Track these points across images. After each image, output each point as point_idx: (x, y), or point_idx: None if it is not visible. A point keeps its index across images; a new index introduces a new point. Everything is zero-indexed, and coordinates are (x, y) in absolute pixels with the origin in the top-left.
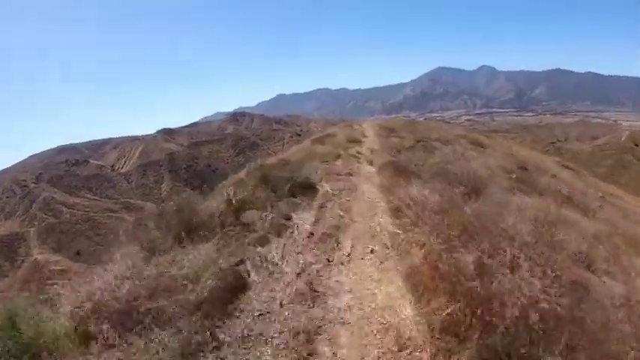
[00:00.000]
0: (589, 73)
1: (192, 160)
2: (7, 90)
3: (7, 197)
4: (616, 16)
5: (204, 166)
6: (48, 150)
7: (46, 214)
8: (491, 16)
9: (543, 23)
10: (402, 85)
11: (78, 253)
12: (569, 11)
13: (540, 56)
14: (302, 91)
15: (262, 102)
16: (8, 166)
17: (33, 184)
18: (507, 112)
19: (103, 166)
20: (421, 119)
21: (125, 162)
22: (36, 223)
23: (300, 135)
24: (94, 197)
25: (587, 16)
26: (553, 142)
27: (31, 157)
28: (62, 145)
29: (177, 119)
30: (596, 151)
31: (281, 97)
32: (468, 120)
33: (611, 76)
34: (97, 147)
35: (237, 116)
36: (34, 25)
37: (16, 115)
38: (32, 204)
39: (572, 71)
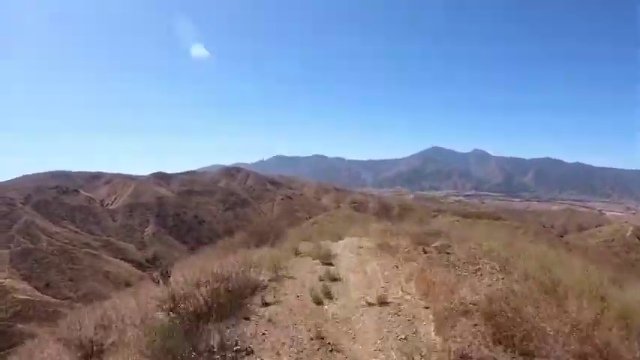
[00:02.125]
0: (577, 163)
1: (180, 208)
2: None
3: None
4: (607, 110)
5: (191, 216)
6: (42, 173)
7: (23, 238)
8: (488, 103)
9: (537, 114)
10: (396, 161)
11: (47, 285)
12: (563, 104)
13: (531, 144)
14: (300, 155)
15: (260, 161)
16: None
17: (20, 204)
18: (496, 195)
19: (92, 199)
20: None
21: (115, 199)
22: (11, 245)
23: (291, 198)
24: (75, 229)
25: (581, 109)
26: (561, 236)
27: (24, 176)
28: (56, 171)
29: (175, 164)
30: (603, 247)
31: (279, 158)
32: (457, 200)
33: (598, 168)
34: (90, 179)
35: (232, 171)
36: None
37: (15, 134)
38: (13, 225)
39: (561, 160)
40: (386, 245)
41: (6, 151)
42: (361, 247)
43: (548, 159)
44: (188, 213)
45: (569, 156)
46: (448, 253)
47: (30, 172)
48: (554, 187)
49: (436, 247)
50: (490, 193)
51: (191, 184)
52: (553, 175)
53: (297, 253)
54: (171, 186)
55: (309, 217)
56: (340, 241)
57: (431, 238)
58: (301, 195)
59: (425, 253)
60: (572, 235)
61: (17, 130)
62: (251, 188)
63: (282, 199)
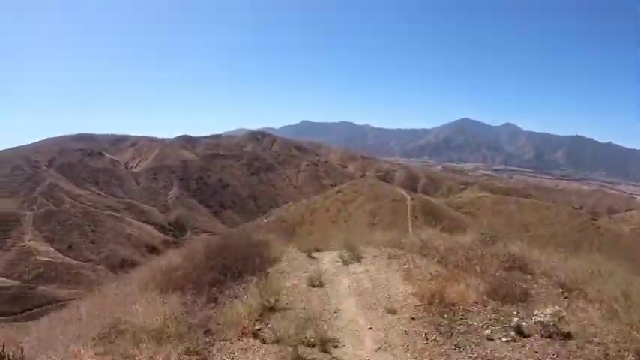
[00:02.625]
0: (610, 144)
1: (204, 172)
2: (31, 70)
3: (15, 176)
4: None
5: (215, 180)
6: (67, 136)
7: (47, 201)
8: (522, 76)
9: (572, 90)
10: (424, 131)
11: (70, 247)
12: (598, 82)
13: (564, 121)
14: (327, 121)
15: (287, 126)
16: (24, 144)
17: (44, 167)
18: (525, 171)
19: (116, 161)
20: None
21: (139, 162)
22: (35, 207)
23: (316, 165)
24: (99, 192)
25: (615, 90)
26: (594, 220)
27: (48, 139)
28: (81, 134)
29: (201, 128)
30: (636, 234)
31: (305, 124)
32: (486, 175)
33: (630, 150)
34: (115, 141)
35: (258, 136)
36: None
37: (37, 96)
38: (36, 187)
39: (593, 140)
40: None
41: (31, 113)
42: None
43: (580, 137)
44: (212, 177)
45: (601, 136)
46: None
47: (55, 135)
48: (584, 167)
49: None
50: (519, 169)
51: (216, 148)
52: (584, 155)
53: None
54: (196, 149)
55: (334, 185)
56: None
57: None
58: (327, 162)
59: None
60: (604, 219)
61: (42, 92)
62: (276, 153)
63: (308, 166)
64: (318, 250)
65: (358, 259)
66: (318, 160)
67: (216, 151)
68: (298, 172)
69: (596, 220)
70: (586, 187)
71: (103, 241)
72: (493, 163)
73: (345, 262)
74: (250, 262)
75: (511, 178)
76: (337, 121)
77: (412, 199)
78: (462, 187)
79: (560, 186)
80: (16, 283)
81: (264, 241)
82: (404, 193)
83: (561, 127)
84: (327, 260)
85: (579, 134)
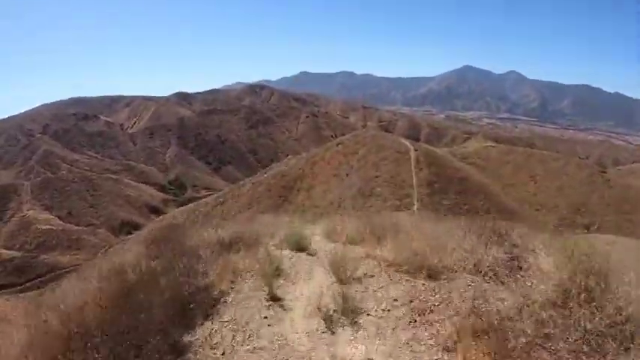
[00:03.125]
0: (617, 94)
1: (202, 128)
2: (22, 34)
3: (10, 146)
4: None
5: (213, 136)
6: (60, 101)
7: (43, 168)
8: (526, 21)
9: (578, 37)
10: (426, 79)
11: (69, 213)
12: (609, 29)
13: (571, 69)
14: (326, 72)
15: (285, 77)
16: (18, 112)
17: (39, 135)
18: (530, 120)
19: (112, 123)
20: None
21: (135, 122)
22: (32, 176)
23: (316, 116)
24: (95, 155)
25: (624, 38)
26: (603, 172)
27: (41, 106)
28: (74, 98)
29: (197, 84)
30: None
31: (304, 75)
32: (490, 123)
33: (638, 100)
34: (110, 103)
35: (256, 88)
36: None
37: (29, 62)
38: (32, 156)
39: (600, 89)
40: None
41: (22, 82)
42: None
43: (586, 86)
44: (210, 133)
45: (609, 85)
46: None
47: (48, 101)
48: (591, 117)
49: None
50: (524, 118)
51: (213, 103)
52: (591, 104)
53: None
54: (192, 106)
55: (335, 136)
56: None
57: None
58: (327, 113)
59: None
60: (613, 172)
61: (33, 58)
62: (275, 106)
63: (307, 117)
64: (302, 250)
65: (354, 316)
66: (318, 111)
67: (213, 106)
68: (298, 123)
69: (605, 172)
70: (592, 138)
71: (103, 205)
72: (497, 111)
73: (330, 327)
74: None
75: (516, 127)
76: (336, 71)
77: (416, 150)
78: (465, 136)
79: (565, 136)
80: (18, 254)
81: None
82: (407, 143)
83: (568, 76)
84: (300, 313)
85: (587, 83)
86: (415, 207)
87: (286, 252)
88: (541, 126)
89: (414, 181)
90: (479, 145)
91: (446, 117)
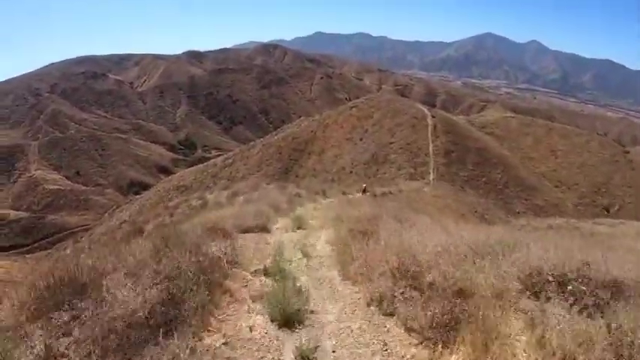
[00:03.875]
0: None
1: (213, 87)
2: None
3: (17, 105)
4: None
5: (225, 95)
6: (68, 60)
7: (51, 128)
8: None
9: (603, 11)
10: (444, 45)
11: (77, 173)
12: (632, 6)
13: (595, 43)
14: (341, 32)
15: (299, 37)
16: (26, 72)
17: (47, 94)
18: (549, 92)
19: (121, 82)
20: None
21: (145, 81)
22: (40, 136)
23: (331, 77)
24: (104, 114)
25: None
26: (626, 152)
27: (50, 65)
28: (83, 56)
29: (209, 42)
30: None
31: (319, 35)
32: (508, 93)
33: None
34: (119, 61)
35: (269, 48)
36: None
37: (39, 20)
38: (40, 115)
39: (623, 66)
40: None
41: (30, 42)
42: None
43: (609, 62)
44: (221, 92)
45: (633, 63)
46: None
47: (57, 60)
48: (612, 93)
49: None
50: (543, 89)
51: (225, 62)
52: (613, 80)
53: None
54: (203, 64)
55: (349, 99)
56: None
57: None
58: (341, 74)
59: None
60: (636, 151)
61: (41, 18)
62: (288, 66)
63: (322, 78)
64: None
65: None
66: (332, 73)
67: (224, 65)
68: (311, 84)
69: (628, 152)
70: (611, 114)
71: (111, 164)
72: (516, 81)
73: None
74: None
75: (534, 98)
76: (352, 32)
77: (433, 117)
78: (482, 104)
79: (585, 111)
80: (25, 214)
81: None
82: (424, 109)
83: (591, 49)
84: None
85: (609, 58)
86: (431, 177)
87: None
88: (561, 99)
89: (431, 149)
90: (498, 115)
91: (463, 84)
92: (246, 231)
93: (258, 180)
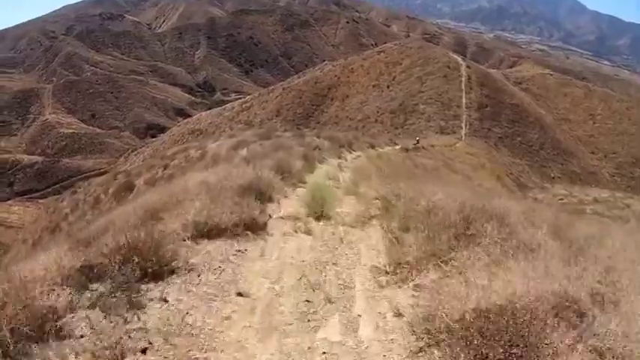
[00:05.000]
0: None
1: (234, 29)
2: None
3: (32, 49)
4: None
5: (246, 37)
6: (84, 1)
7: (66, 71)
8: None
9: None
10: None
11: (93, 116)
12: None
13: (633, 7)
14: None
15: None
16: (40, 15)
17: (62, 37)
18: (583, 53)
19: (139, 23)
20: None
21: (163, 22)
22: (54, 79)
23: (357, 22)
24: (121, 56)
25: None
26: None
27: (65, 7)
28: None
29: None
30: None
31: None
32: (541, 50)
33: None
34: (137, 2)
35: None
36: None
37: None
38: (54, 58)
39: None
40: None
41: None
42: None
43: None
44: (242, 34)
45: None
46: None
47: (72, 1)
48: None
49: None
50: (577, 50)
51: (247, 3)
52: None
53: None
54: (224, 5)
55: (375, 45)
56: None
57: None
58: (368, 20)
59: None
60: None
61: None
62: (313, 9)
63: (347, 23)
64: None
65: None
66: (359, 17)
67: (246, 6)
68: (336, 29)
69: None
70: None
71: (128, 107)
72: (549, 38)
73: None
74: None
75: (567, 57)
76: None
77: (468, 67)
78: (513, 59)
79: (619, 75)
80: (40, 159)
81: None
82: (458, 59)
83: (631, 13)
84: None
85: None
86: (463, 132)
87: None
88: (595, 61)
89: (464, 101)
90: (535, 71)
91: (495, 37)
92: (217, 234)
93: (272, 126)
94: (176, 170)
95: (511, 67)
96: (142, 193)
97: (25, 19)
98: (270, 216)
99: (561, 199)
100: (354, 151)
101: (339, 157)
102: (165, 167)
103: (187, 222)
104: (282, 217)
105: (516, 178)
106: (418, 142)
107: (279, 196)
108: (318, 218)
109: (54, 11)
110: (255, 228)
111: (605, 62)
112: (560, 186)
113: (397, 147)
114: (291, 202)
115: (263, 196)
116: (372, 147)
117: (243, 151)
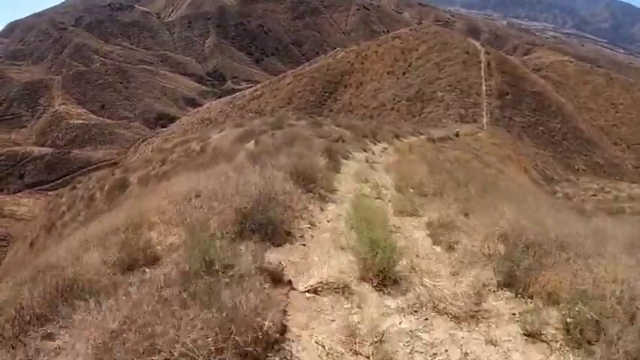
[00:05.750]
0: None
1: (244, 17)
2: None
3: (40, 41)
4: None
5: (256, 25)
6: None
7: (75, 62)
8: None
9: None
10: None
11: (103, 107)
12: None
13: None
14: None
15: None
16: (50, 6)
17: (71, 28)
18: (598, 41)
19: (148, 12)
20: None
21: (172, 11)
22: (63, 70)
23: (368, 9)
24: (130, 46)
25: None
26: None
27: None
28: None
29: None
30: None
31: None
32: (555, 37)
33: None
34: None
35: None
36: None
37: None
38: (63, 50)
39: None
40: None
41: None
42: None
43: None
44: (252, 22)
45: None
46: None
47: None
48: None
49: None
50: (592, 37)
51: None
52: None
53: None
54: None
55: (387, 32)
56: None
57: None
58: (379, 7)
59: None
60: None
61: None
62: None
63: (358, 10)
64: None
65: None
66: (370, 4)
67: None
68: (347, 16)
69: None
70: None
71: (137, 97)
72: (563, 26)
73: None
74: None
75: (582, 45)
76: None
77: (487, 53)
78: (527, 46)
79: (633, 63)
80: (49, 150)
81: None
82: (477, 44)
83: None
84: None
85: None
86: (484, 120)
87: None
88: (610, 49)
89: (484, 88)
90: (554, 57)
91: (508, 24)
92: None
93: (284, 115)
94: (173, 166)
95: (525, 54)
96: (131, 196)
97: (35, 11)
98: (290, 287)
99: (594, 195)
100: (378, 142)
101: (365, 150)
102: (163, 162)
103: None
104: (313, 291)
105: (542, 170)
106: (458, 133)
107: (303, 224)
108: (381, 284)
109: (64, 2)
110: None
111: (620, 50)
112: (587, 179)
113: (422, 137)
114: (323, 241)
115: (275, 230)
116: (397, 137)
117: (250, 144)
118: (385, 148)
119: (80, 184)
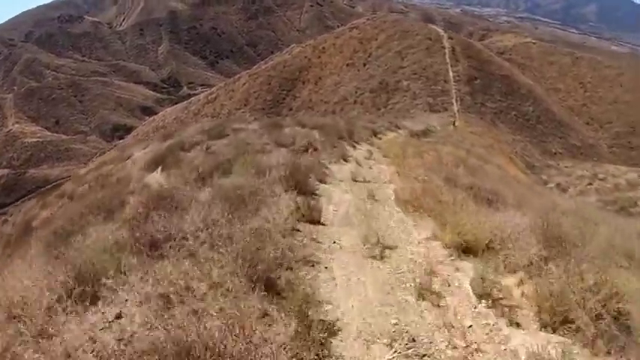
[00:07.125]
0: None
1: (196, 21)
2: None
3: None
4: None
5: (209, 28)
6: (42, 5)
7: (26, 78)
8: None
9: None
10: None
11: (57, 123)
12: None
13: None
14: None
15: None
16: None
17: (20, 43)
18: (550, 22)
19: (99, 22)
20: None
21: (124, 20)
22: (15, 88)
23: (321, 5)
24: (82, 58)
25: None
26: None
27: (23, 13)
28: (58, 0)
29: None
30: None
31: None
32: (508, 22)
33: None
34: (95, 2)
35: None
36: None
37: None
38: (13, 67)
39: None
40: None
41: None
42: None
43: None
44: (205, 25)
45: None
46: None
47: (31, 7)
48: (618, 27)
49: None
50: (544, 19)
51: None
52: (620, 13)
53: None
54: None
55: (341, 25)
56: None
57: None
58: (332, 2)
59: None
60: None
61: None
62: None
63: (311, 6)
64: None
65: None
66: (323, 0)
67: None
68: (301, 13)
69: None
70: (616, 48)
71: (92, 110)
72: (516, 10)
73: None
74: None
75: (536, 28)
76: None
77: (450, 38)
78: (482, 32)
79: (587, 42)
80: (5, 172)
81: None
82: (439, 30)
83: None
84: None
85: None
86: (455, 108)
87: None
88: (562, 30)
89: (451, 75)
90: (517, 40)
91: (461, 11)
92: None
93: (240, 117)
94: (70, 205)
95: (480, 39)
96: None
97: None
98: None
99: (590, 184)
100: (357, 143)
101: (345, 159)
102: (71, 196)
103: None
104: None
105: (522, 157)
106: (455, 124)
107: None
108: None
109: (12, 18)
110: None
111: (572, 30)
112: (568, 163)
113: (401, 132)
114: None
115: None
116: (375, 135)
117: (157, 174)
118: (370, 152)
119: (12, 217)
